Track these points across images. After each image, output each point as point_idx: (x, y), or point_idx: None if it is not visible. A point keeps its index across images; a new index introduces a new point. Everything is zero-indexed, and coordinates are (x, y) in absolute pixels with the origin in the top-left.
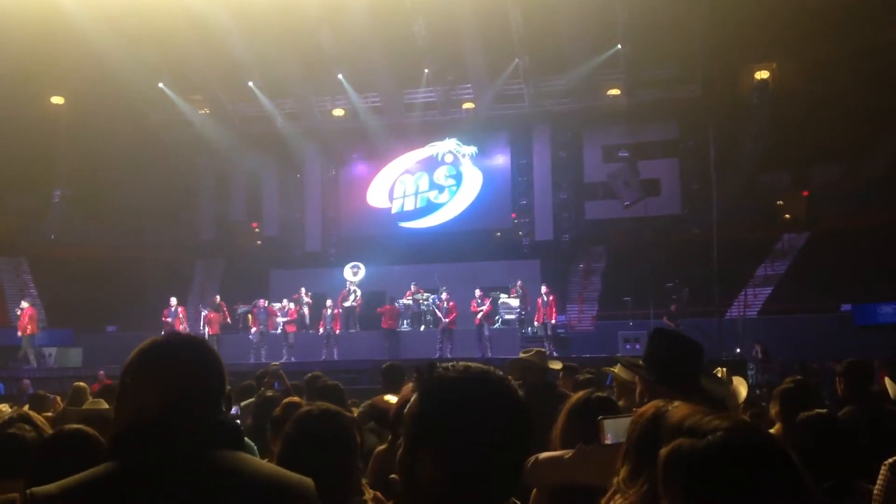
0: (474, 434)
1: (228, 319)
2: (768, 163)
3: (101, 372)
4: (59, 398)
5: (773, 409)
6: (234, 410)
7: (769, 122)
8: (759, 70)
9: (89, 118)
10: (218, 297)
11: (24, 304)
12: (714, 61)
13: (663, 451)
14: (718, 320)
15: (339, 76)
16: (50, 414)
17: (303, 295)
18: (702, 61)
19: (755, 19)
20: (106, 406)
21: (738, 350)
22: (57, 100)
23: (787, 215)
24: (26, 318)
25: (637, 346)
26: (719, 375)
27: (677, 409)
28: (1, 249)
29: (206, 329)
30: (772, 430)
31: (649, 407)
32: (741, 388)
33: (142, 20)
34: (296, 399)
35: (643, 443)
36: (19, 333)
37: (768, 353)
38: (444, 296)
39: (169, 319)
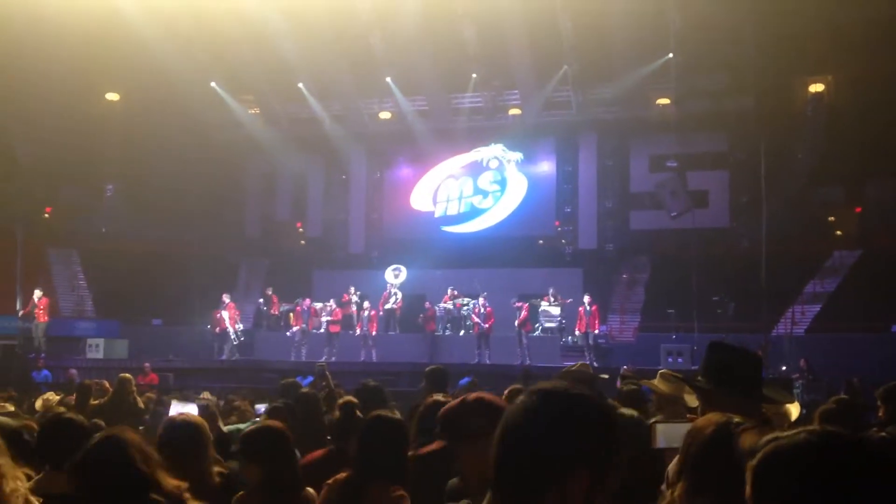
0: None
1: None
2: (820, 177)
3: (147, 364)
4: (107, 384)
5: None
6: (259, 409)
7: (822, 136)
8: (814, 82)
9: (142, 115)
10: (270, 290)
11: (38, 293)
12: (767, 72)
13: (754, 460)
14: (764, 336)
15: (388, 79)
16: (98, 402)
17: (352, 295)
18: (755, 72)
19: (810, 30)
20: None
21: (784, 368)
22: (112, 96)
23: (839, 231)
24: (41, 307)
25: (679, 360)
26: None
27: (749, 433)
28: (54, 241)
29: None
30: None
31: (708, 422)
32: (792, 407)
33: (195, 20)
34: (350, 399)
35: (709, 459)
36: (29, 319)
37: (814, 372)
38: (482, 301)
39: (220, 315)
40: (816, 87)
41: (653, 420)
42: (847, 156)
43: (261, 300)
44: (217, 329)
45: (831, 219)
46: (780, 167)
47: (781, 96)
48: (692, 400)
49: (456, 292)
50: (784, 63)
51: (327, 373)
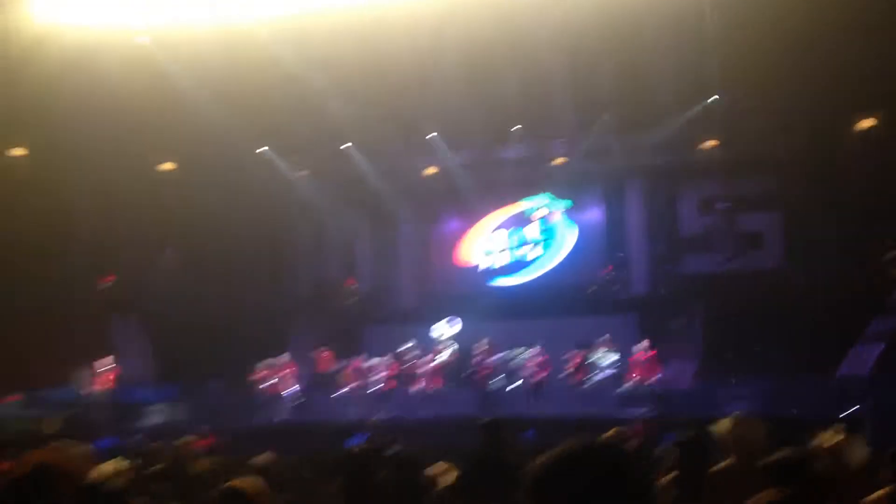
0: None
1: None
2: (875, 216)
3: (204, 427)
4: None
5: (884, 473)
6: None
7: (875, 174)
8: (863, 119)
9: (195, 182)
10: (322, 349)
11: (108, 362)
12: (815, 111)
13: None
14: (828, 378)
15: (432, 134)
16: (159, 467)
17: (412, 350)
18: (802, 112)
19: (858, 66)
20: None
21: (852, 408)
22: (166, 166)
23: None
24: (110, 376)
25: (740, 405)
26: (837, 437)
27: None
28: (115, 306)
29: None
30: (880, 494)
31: None
32: (856, 453)
33: (243, 85)
34: None
35: None
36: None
37: (884, 412)
38: (535, 351)
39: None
40: (866, 124)
41: (724, 464)
42: None
43: (312, 359)
44: (274, 390)
45: (889, 257)
46: (833, 207)
47: (831, 135)
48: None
49: (492, 344)
50: (832, 101)
51: (378, 435)
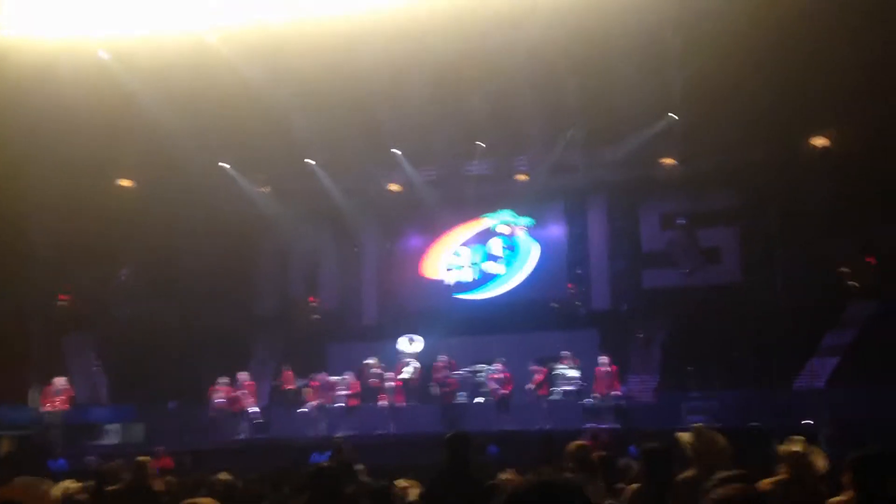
0: None
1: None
2: (831, 230)
3: (161, 448)
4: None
5: (846, 477)
6: None
7: (831, 188)
8: (819, 134)
9: (155, 198)
10: (285, 367)
11: (62, 383)
12: (772, 127)
13: None
14: (785, 391)
15: (396, 151)
16: (115, 487)
17: (375, 367)
18: (760, 128)
19: (813, 83)
20: None
21: (809, 421)
22: (124, 182)
23: (854, 283)
24: (63, 396)
25: (702, 418)
26: (799, 447)
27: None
28: (69, 326)
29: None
30: (842, 498)
31: None
32: (819, 460)
33: (205, 99)
34: None
35: None
36: (47, 408)
37: (839, 425)
38: (499, 366)
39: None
40: (822, 140)
41: (687, 474)
42: (857, 207)
43: (276, 377)
44: (234, 408)
45: (844, 270)
46: (790, 221)
47: (787, 151)
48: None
49: (452, 362)
50: (789, 118)
51: (344, 448)
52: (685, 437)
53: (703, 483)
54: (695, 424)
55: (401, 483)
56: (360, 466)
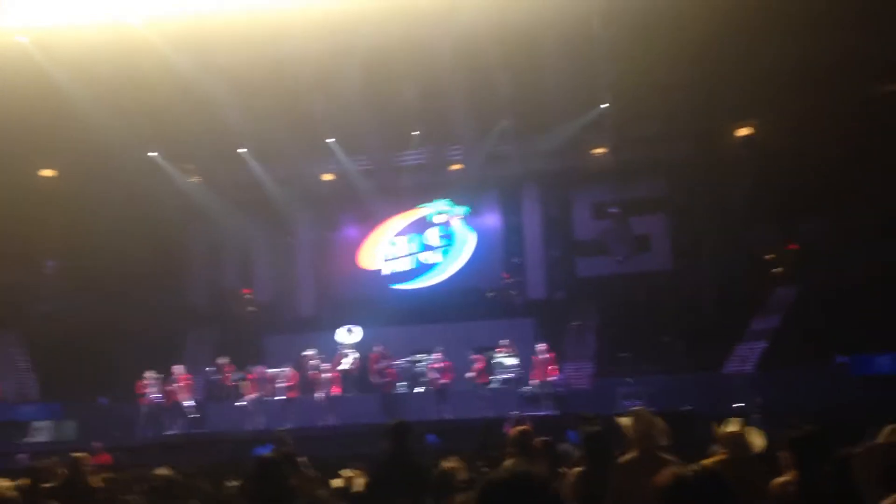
0: None
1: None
2: (756, 218)
3: (98, 444)
4: (58, 466)
5: (784, 457)
6: None
7: (755, 178)
8: (743, 125)
9: (80, 189)
10: (222, 360)
11: None
12: (699, 118)
13: None
14: (716, 375)
15: (330, 140)
16: (50, 484)
17: (310, 356)
18: (686, 119)
19: (737, 76)
20: None
21: (740, 404)
22: (47, 172)
23: (778, 269)
24: None
25: (637, 403)
26: (736, 427)
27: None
28: None
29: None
30: (786, 478)
31: None
32: (757, 439)
33: (134, 91)
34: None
35: None
36: None
37: (769, 407)
38: (437, 356)
39: (171, 388)
40: (746, 130)
41: (628, 456)
42: (780, 195)
43: (211, 369)
44: (168, 402)
45: (769, 257)
46: (717, 209)
47: (713, 141)
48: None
49: (387, 352)
50: (713, 108)
51: (287, 439)
52: (625, 420)
53: (643, 464)
54: (634, 408)
55: (346, 473)
56: (302, 458)
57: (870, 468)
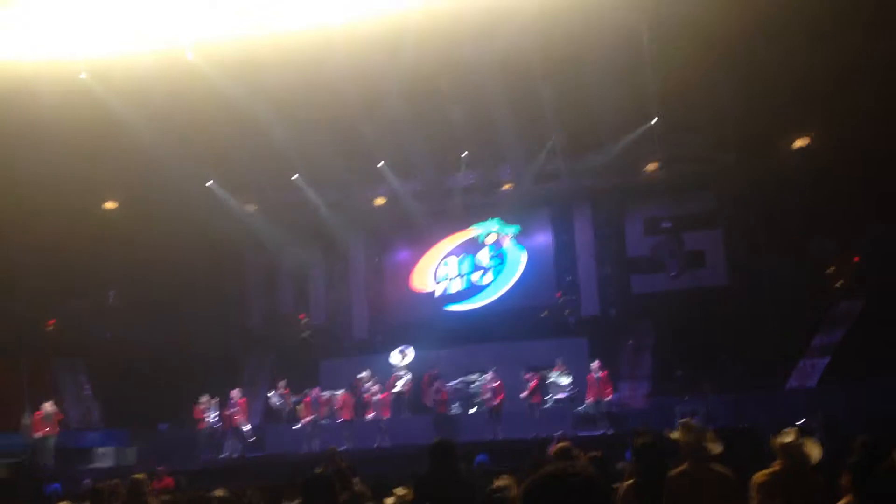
0: None
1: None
2: (814, 230)
3: (161, 468)
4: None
5: (845, 480)
6: None
7: (812, 189)
8: (797, 136)
9: (140, 220)
10: (283, 383)
11: (51, 408)
12: (750, 130)
13: None
14: (779, 392)
15: (381, 164)
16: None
17: (367, 381)
18: (737, 130)
19: (788, 85)
20: None
21: (803, 420)
22: (110, 205)
23: (839, 282)
24: (54, 421)
25: (694, 420)
26: (792, 437)
27: None
28: (59, 351)
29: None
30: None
31: None
32: (813, 450)
33: (189, 121)
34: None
35: None
36: (38, 434)
37: (832, 423)
38: (490, 376)
39: (230, 412)
40: (800, 141)
41: (680, 469)
42: (838, 206)
43: (271, 393)
44: (226, 426)
45: (830, 270)
46: (773, 222)
47: (765, 152)
48: (714, 448)
49: (440, 372)
50: (765, 119)
51: (337, 455)
52: (675, 433)
53: (694, 476)
54: (681, 420)
55: (399, 491)
56: (356, 479)
57: None
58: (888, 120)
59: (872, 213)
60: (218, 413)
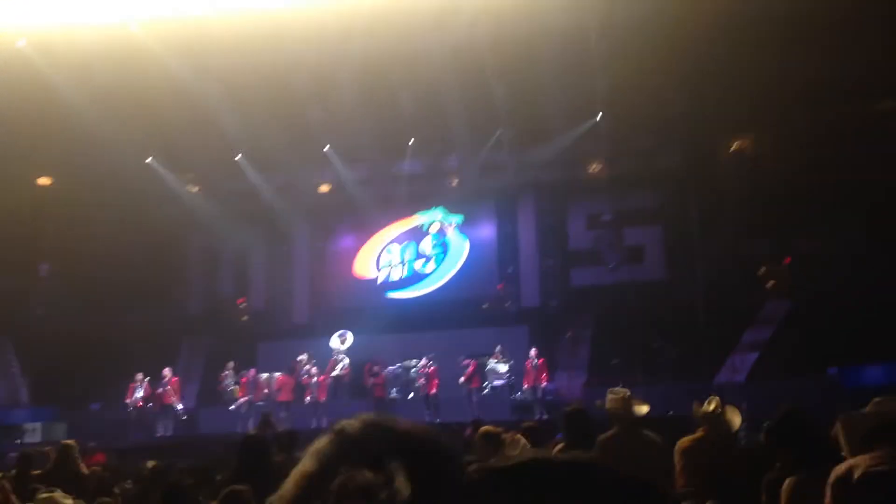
0: None
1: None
2: (750, 231)
3: (92, 444)
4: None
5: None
6: None
7: (750, 191)
8: (739, 139)
9: (77, 196)
10: (231, 365)
11: None
12: (693, 131)
13: None
14: (709, 385)
15: (327, 149)
16: (40, 471)
17: (306, 363)
18: (681, 131)
19: (732, 90)
20: None
21: None
22: (44, 180)
23: (771, 282)
24: None
25: None
26: (713, 406)
27: None
28: None
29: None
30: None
31: None
32: (734, 417)
33: (131, 97)
34: None
35: None
36: None
37: (756, 416)
38: (423, 362)
39: (162, 390)
40: (741, 144)
41: (608, 433)
42: (774, 209)
43: (226, 373)
44: (157, 405)
45: (762, 270)
46: (710, 222)
47: (707, 154)
48: (640, 409)
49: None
50: (708, 122)
51: (272, 419)
52: (603, 402)
53: (622, 439)
54: (609, 389)
55: None
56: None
57: (854, 430)
58: (825, 128)
59: (806, 217)
60: (142, 392)
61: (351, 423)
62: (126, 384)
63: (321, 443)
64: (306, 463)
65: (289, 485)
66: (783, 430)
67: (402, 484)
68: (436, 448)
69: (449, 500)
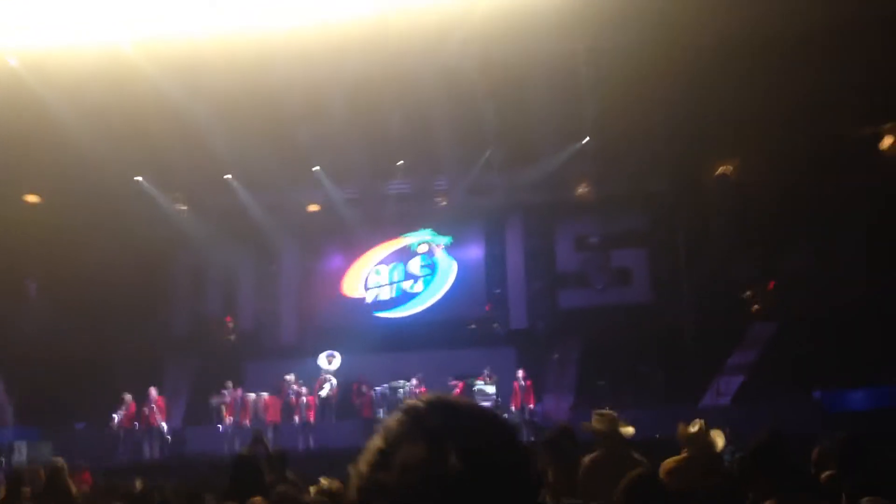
0: None
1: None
2: (735, 254)
3: (82, 462)
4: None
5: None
6: None
7: (734, 215)
8: (725, 163)
9: (64, 214)
10: (230, 383)
11: None
12: (680, 154)
13: None
14: (694, 408)
15: (316, 169)
16: (30, 489)
17: (293, 383)
18: (668, 155)
19: (718, 114)
20: None
21: None
22: (32, 198)
23: (756, 305)
24: None
25: None
26: (697, 428)
27: None
28: None
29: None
30: None
31: None
32: (718, 439)
33: (121, 116)
34: None
35: None
36: None
37: (742, 439)
38: (414, 382)
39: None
40: (726, 168)
41: (593, 455)
42: (759, 233)
43: (225, 391)
44: (144, 426)
45: (748, 293)
46: (697, 245)
47: (694, 177)
48: (627, 431)
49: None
50: (695, 146)
51: (264, 438)
52: (589, 424)
53: (608, 461)
54: (596, 410)
55: (324, 482)
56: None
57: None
58: (809, 152)
59: (791, 241)
60: (123, 412)
61: (418, 402)
62: (111, 404)
63: (390, 420)
64: (376, 440)
65: (362, 460)
66: (760, 458)
67: (454, 461)
68: (490, 430)
69: (496, 481)
